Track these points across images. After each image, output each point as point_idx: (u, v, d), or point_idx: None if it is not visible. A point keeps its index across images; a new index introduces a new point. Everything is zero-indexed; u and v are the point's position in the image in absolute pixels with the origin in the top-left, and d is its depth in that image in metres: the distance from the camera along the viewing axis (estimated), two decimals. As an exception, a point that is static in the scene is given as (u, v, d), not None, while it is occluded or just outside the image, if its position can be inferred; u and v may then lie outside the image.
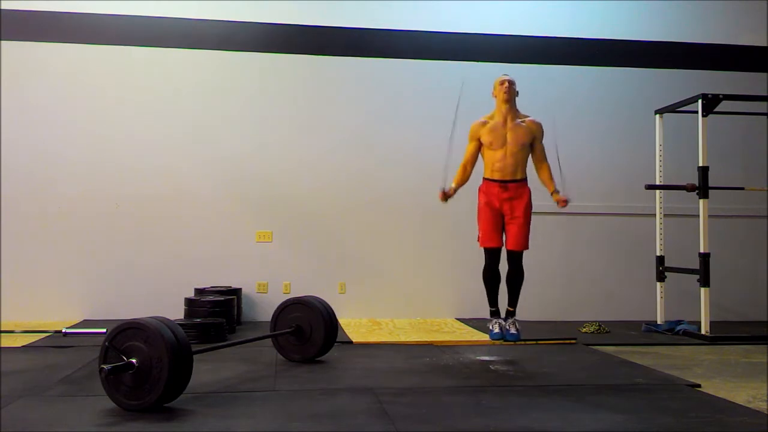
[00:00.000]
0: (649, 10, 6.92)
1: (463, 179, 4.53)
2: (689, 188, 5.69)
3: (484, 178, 4.47)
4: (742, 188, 6.14)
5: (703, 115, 5.63)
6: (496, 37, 6.64)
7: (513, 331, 4.46)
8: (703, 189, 5.62)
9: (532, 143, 4.44)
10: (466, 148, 4.53)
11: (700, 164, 5.62)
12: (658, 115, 6.28)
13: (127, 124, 6.32)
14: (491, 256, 4.45)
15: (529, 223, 4.43)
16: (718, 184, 5.79)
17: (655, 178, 6.19)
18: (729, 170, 6.45)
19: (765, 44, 6.89)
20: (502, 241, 4.44)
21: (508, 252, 4.44)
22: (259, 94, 6.51)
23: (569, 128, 6.70)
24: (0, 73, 6.14)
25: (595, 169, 6.75)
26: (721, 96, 5.66)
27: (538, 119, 4.47)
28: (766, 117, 6.27)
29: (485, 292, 4.55)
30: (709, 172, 5.62)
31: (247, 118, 6.48)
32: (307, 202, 6.47)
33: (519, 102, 4.51)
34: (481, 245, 4.47)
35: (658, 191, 6.22)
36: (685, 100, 5.95)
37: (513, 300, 4.52)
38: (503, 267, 4.51)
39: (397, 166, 6.57)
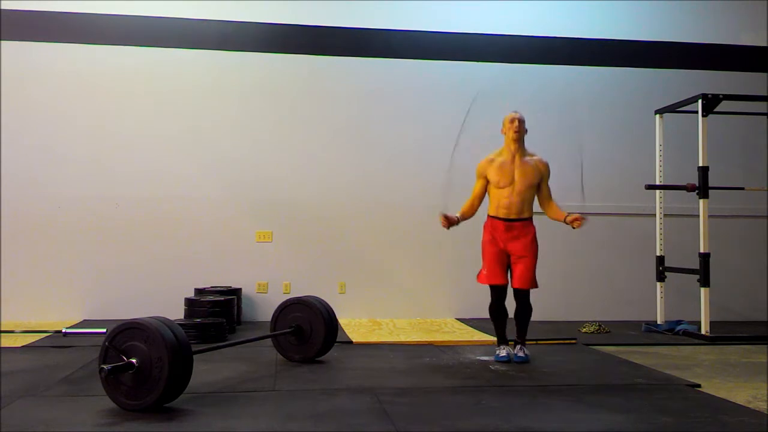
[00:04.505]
0: (649, 10, 6.92)
1: (469, 214, 4.46)
2: (689, 188, 5.69)
3: (489, 216, 4.41)
4: (742, 188, 6.14)
5: (703, 115, 5.63)
6: (496, 37, 6.65)
7: (521, 354, 4.37)
8: (703, 189, 5.62)
9: (539, 183, 4.38)
10: (474, 186, 4.46)
11: (700, 164, 5.62)
12: (658, 115, 6.28)
13: (127, 124, 6.32)
14: (497, 293, 4.38)
15: (535, 262, 4.34)
16: (718, 184, 5.80)
17: (655, 178, 6.19)
18: (729, 170, 6.46)
19: (765, 44, 6.90)
20: (507, 278, 4.37)
21: (515, 291, 4.36)
22: (258, 95, 6.51)
23: (569, 128, 6.71)
24: (0, 73, 6.14)
25: (595, 169, 6.74)
26: (721, 96, 5.66)
27: (545, 159, 4.41)
28: (766, 117, 6.27)
29: (492, 325, 4.49)
30: (709, 172, 5.62)
31: (248, 119, 6.48)
32: (307, 202, 6.47)
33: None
34: (485, 282, 4.38)
35: (658, 191, 6.22)
36: (685, 100, 5.95)
37: (522, 333, 4.43)
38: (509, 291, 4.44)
39: (397, 167, 6.57)
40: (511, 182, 4.32)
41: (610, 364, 4.41)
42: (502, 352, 4.41)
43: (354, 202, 6.53)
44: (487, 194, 4.46)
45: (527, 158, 4.36)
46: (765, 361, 4.54)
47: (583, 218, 4.25)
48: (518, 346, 4.41)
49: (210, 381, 3.67)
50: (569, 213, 4.34)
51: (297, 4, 6.47)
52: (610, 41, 6.73)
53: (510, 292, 4.42)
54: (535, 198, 4.45)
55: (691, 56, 6.82)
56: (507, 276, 4.37)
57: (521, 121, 4.35)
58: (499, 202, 4.34)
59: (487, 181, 4.40)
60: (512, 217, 4.32)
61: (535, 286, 4.35)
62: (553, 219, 4.46)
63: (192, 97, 6.42)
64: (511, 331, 4.48)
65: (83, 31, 6.24)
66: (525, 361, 4.35)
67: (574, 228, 4.30)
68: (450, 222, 4.37)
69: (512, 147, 4.35)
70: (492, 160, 4.39)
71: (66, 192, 6.20)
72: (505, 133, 4.38)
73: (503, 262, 4.35)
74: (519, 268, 4.32)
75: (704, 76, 6.57)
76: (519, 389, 3.62)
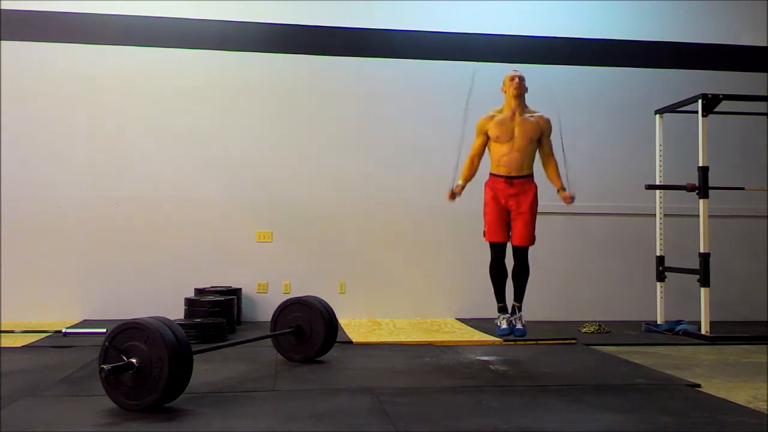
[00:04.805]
0: (649, 10, 6.92)
1: (471, 173, 4.52)
2: (689, 188, 5.69)
3: (491, 173, 4.47)
4: (742, 188, 6.14)
5: (703, 115, 5.63)
6: (496, 37, 6.63)
7: (519, 326, 4.45)
8: (703, 189, 5.62)
9: (540, 138, 4.43)
10: (474, 142, 4.51)
11: (700, 164, 5.62)
12: (658, 115, 6.28)
13: (126, 124, 6.33)
14: (497, 251, 4.45)
15: (534, 219, 4.42)
16: (718, 184, 5.80)
17: (655, 178, 6.20)
18: (729, 170, 6.46)
19: (765, 44, 6.89)
20: (507, 236, 4.44)
21: (514, 247, 4.44)
22: (258, 95, 6.51)
23: (569, 128, 6.66)
24: (0, 73, 6.14)
25: (595, 169, 6.74)
26: (721, 96, 5.66)
27: (546, 115, 4.47)
28: (766, 117, 6.27)
29: (492, 288, 4.55)
30: (709, 172, 5.62)
31: (248, 118, 6.48)
32: (307, 202, 6.47)
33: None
34: (486, 240, 4.47)
35: (658, 191, 6.22)
36: (685, 100, 5.95)
37: (519, 295, 4.51)
38: (509, 262, 4.51)
39: (397, 166, 6.58)
40: (511, 137, 4.37)
41: (610, 364, 4.41)
42: (503, 324, 4.47)
43: (354, 202, 6.53)
44: (488, 151, 4.51)
45: (528, 115, 4.41)
46: (765, 361, 4.54)
47: (572, 199, 4.39)
48: (516, 316, 4.46)
49: (210, 381, 3.67)
50: (564, 187, 4.44)
51: (297, 4, 6.48)
52: (610, 41, 6.71)
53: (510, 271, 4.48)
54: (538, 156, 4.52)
55: (691, 56, 6.80)
56: (507, 234, 4.43)
57: (521, 79, 4.43)
58: (500, 158, 4.39)
59: (487, 138, 4.43)
60: (513, 173, 4.38)
61: (533, 242, 4.43)
62: (548, 179, 4.54)
63: (192, 97, 6.42)
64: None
65: (83, 31, 6.21)
66: (524, 334, 4.45)
67: (564, 203, 4.45)
68: (455, 194, 4.47)
69: (513, 104, 4.41)
70: (492, 117, 4.45)
71: (66, 192, 6.21)
72: (505, 91, 4.44)
73: (504, 220, 4.41)
74: (518, 225, 4.38)
75: (704, 76, 6.54)
76: (519, 389, 3.63)
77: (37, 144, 6.20)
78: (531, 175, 4.44)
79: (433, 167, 6.50)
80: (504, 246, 4.46)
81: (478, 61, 6.58)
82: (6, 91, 6.14)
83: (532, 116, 4.42)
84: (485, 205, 4.47)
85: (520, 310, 4.51)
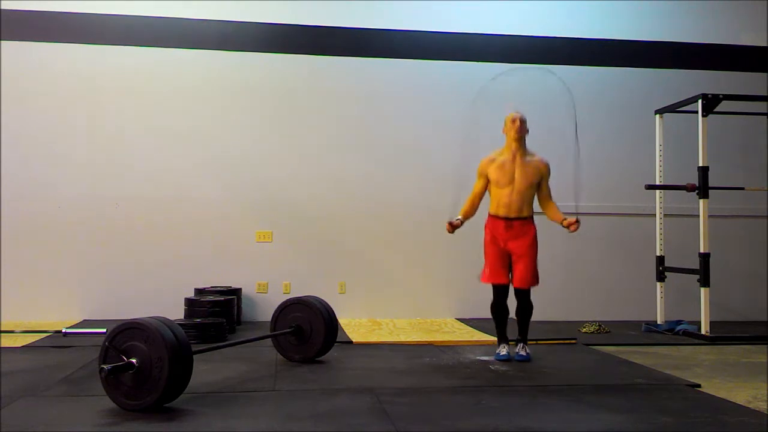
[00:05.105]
0: (649, 10, 6.92)
1: (471, 213, 4.49)
2: (689, 188, 5.70)
3: (490, 214, 4.43)
4: (742, 188, 6.15)
5: (703, 115, 5.63)
6: (496, 37, 6.63)
7: (523, 353, 4.38)
8: (703, 189, 5.62)
9: (539, 182, 4.39)
10: (475, 184, 4.48)
11: (700, 164, 5.62)
12: (658, 115, 6.28)
13: (127, 124, 6.33)
14: (498, 292, 4.40)
15: (535, 260, 4.36)
16: (718, 184, 5.80)
17: (655, 178, 6.20)
18: (729, 170, 6.46)
19: (765, 44, 6.89)
20: (509, 277, 4.39)
21: (515, 290, 4.37)
22: (259, 95, 6.51)
23: (569, 128, 6.69)
24: (0, 73, 6.14)
25: (595, 169, 6.74)
26: (721, 96, 5.67)
27: (546, 159, 4.43)
28: (766, 117, 6.27)
29: (494, 324, 4.51)
30: (709, 172, 5.62)
31: (248, 119, 6.48)
32: (307, 202, 6.47)
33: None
34: (487, 281, 4.40)
35: (658, 191, 6.22)
36: (685, 100, 5.95)
37: (523, 331, 4.45)
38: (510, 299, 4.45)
39: (397, 167, 6.58)
40: (511, 181, 4.34)
41: (610, 364, 4.41)
42: (503, 350, 4.42)
43: (354, 202, 6.53)
44: (488, 193, 4.47)
45: (528, 158, 4.39)
46: (765, 361, 4.54)
47: (578, 222, 4.28)
48: (520, 345, 4.43)
49: (210, 381, 3.67)
50: (566, 217, 4.36)
51: (297, 4, 6.48)
52: (610, 41, 6.71)
53: (512, 291, 4.42)
54: (536, 198, 4.46)
55: (691, 56, 6.80)
56: (509, 275, 4.40)
57: (522, 121, 4.37)
58: (500, 201, 4.36)
59: (488, 180, 4.41)
60: (512, 215, 4.35)
61: (536, 283, 4.37)
62: (551, 220, 4.49)
63: (192, 97, 6.42)
64: (512, 333, 4.48)
65: (83, 31, 6.22)
66: (526, 360, 4.36)
67: (570, 231, 4.33)
68: (454, 227, 4.44)
69: (513, 146, 4.37)
70: (493, 159, 4.42)
71: (66, 192, 6.21)
72: (506, 133, 4.40)
73: (505, 261, 4.38)
74: (519, 268, 4.34)
75: (704, 76, 6.55)
76: (519, 389, 3.63)
77: (37, 144, 6.20)
78: (530, 218, 4.41)
79: (433, 167, 6.52)
80: (506, 287, 4.40)
81: (478, 61, 6.61)
82: (6, 91, 6.14)
83: (532, 159, 4.38)
84: (485, 245, 4.43)
85: (524, 342, 4.45)
